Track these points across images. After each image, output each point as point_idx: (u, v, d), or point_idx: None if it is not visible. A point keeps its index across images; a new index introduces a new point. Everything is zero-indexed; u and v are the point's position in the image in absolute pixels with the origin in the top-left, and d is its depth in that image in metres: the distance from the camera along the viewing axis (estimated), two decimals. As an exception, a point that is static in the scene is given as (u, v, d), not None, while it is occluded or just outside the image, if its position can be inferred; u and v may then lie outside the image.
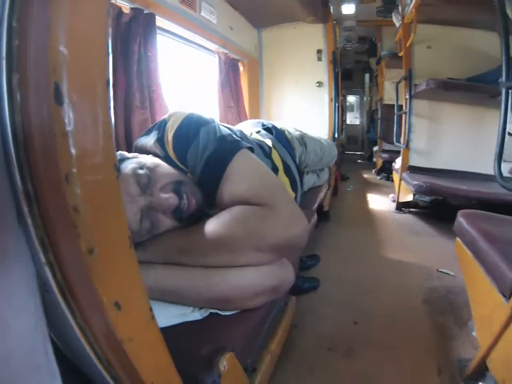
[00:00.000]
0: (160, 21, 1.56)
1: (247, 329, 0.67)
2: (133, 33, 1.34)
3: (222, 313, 0.67)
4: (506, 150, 1.09)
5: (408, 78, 2.71)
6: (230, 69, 2.45)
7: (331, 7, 2.84)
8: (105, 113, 0.29)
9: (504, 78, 0.99)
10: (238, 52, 2.55)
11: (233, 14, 2.45)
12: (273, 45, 3.04)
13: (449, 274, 1.72)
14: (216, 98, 2.34)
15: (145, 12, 1.40)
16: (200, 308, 0.67)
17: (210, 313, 0.66)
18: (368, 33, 4.79)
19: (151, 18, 1.44)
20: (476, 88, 2.31)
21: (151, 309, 0.36)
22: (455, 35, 2.70)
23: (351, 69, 7.62)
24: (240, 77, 2.69)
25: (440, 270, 1.75)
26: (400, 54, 2.86)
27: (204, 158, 0.71)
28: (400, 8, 2.74)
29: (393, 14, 2.89)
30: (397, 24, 2.87)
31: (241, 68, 2.73)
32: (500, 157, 1.04)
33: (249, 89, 2.83)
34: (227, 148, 0.72)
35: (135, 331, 0.34)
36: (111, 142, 0.30)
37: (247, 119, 2.52)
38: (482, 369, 0.95)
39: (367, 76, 7.38)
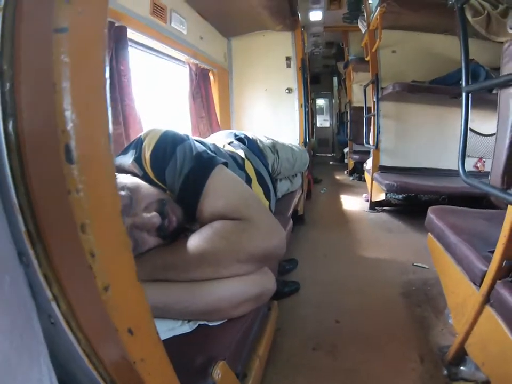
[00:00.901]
0: (131, 34, 1.54)
1: (235, 337, 0.69)
2: None
3: (210, 324, 0.69)
4: (470, 146, 1.17)
5: (375, 81, 2.83)
6: (200, 79, 2.43)
7: (299, 15, 2.91)
8: (111, 166, 0.31)
9: (464, 82, 1.07)
10: (208, 62, 2.55)
11: (203, 24, 2.45)
12: (243, 54, 3.06)
13: (423, 267, 1.80)
14: (187, 109, 2.33)
15: (116, 25, 1.38)
16: (189, 321, 0.69)
17: (199, 325, 0.68)
18: (335, 38, 4.95)
19: (122, 31, 1.42)
20: (438, 90, 2.46)
21: (156, 330, 0.39)
22: (417, 40, 2.86)
23: (320, 73, 7.83)
24: (210, 87, 2.68)
25: (415, 264, 1.84)
26: (366, 59, 2.98)
27: (182, 176, 0.73)
28: (365, 15, 2.87)
29: (359, 21, 3.01)
30: (363, 30, 2.99)
31: (211, 78, 2.73)
32: (463, 156, 1.11)
33: (219, 98, 2.83)
34: (203, 166, 0.74)
35: (146, 351, 0.37)
36: (117, 192, 0.33)
37: (219, 129, 2.55)
38: (462, 354, 1.01)
39: (335, 79, 7.60)
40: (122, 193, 0.67)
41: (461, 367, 1.01)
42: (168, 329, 0.66)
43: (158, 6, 1.73)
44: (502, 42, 1.01)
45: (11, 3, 0.28)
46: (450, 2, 1.14)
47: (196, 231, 0.71)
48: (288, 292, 1.57)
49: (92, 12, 0.29)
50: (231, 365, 0.62)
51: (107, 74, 0.30)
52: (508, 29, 0.81)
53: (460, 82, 1.11)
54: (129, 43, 1.53)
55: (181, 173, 0.73)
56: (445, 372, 1.03)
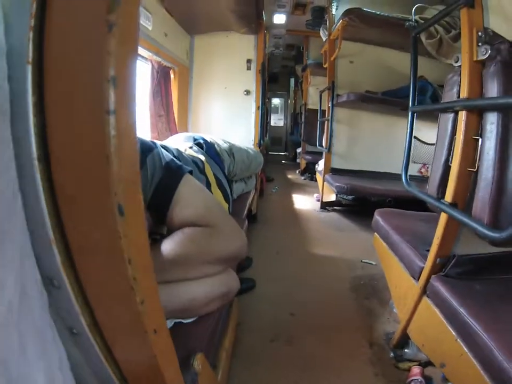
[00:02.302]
0: None
1: (207, 331, 0.76)
2: None
3: (185, 321, 0.76)
4: (415, 153, 1.29)
5: (332, 88, 2.97)
6: (161, 77, 2.36)
7: (264, 18, 2.94)
8: (141, 213, 0.37)
9: (410, 103, 1.22)
10: (170, 59, 2.48)
11: (169, 20, 2.37)
12: (205, 52, 3.01)
13: (371, 263, 1.94)
14: (147, 107, 2.27)
15: None
16: (167, 319, 0.73)
17: (175, 322, 0.75)
18: (296, 41, 5.06)
19: None
20: (389, 102, 2.65)
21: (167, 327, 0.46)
22: (374, 53, 3.03)
23: (278, 73, 7.92)
24: (171, 85, 2.61)
25: (363, 260, 1.98)
26: (324, 66, 3.10)
27: (153, 186, 0.76)
28: (328, 24, 2.97)
29: (321, 29, 3.10)
30: (324, 38, 3.10)
31: (172, 76, 2.66)
32: (406, 166, 1.25)
33: (178, 97, 2.77)
34: (172, 176, 0.78)
35: (163, 346, 0.43)
36: (145, 228, 0.39)
37: (175, 128, 2.53)
38: (405, 339, 1.15)
39: (292, 80, 7.75)
40: None
41: (405, 350, 1.15)
42: None
43: None
44: (449, 64, 1.15)
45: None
46: (407, 24, 1.27)
47: (164, 235, 0.77)
48: (244, 288, 1.60)
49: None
50: (206, 356, 0.68)
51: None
52: (453, 62, 0.94)
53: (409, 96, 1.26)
54: None
55: (152, 182, 0.76)
56: (392, 354, 1.17)
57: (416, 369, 1.06)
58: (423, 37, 1.63)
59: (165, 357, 0.43)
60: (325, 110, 3.21)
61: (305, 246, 2.27)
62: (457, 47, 1.55)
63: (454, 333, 0.84)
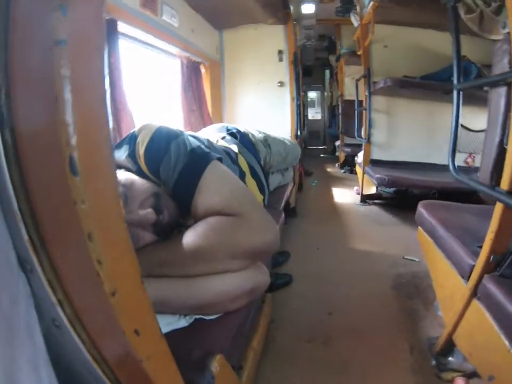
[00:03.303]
0: (121, 26, 1.51)
1: (231, 330, 0.70)
2: None
3: (207, 318, 0.70)
4: (460, 142, 1.19)
5: (367, 76, 2.83)
6: (192, 72, 2.40)
7: (291, 8, 2.88)
8: (114, 175, 0.32)
9: (455, 80, 1.08)
10: (200, 55, 2.52)
11: (194, 16, 2.41)
12: (235, 47, 3.02)
13: (414, 260, 1.83)
14: (179, 102, 2.31)
15: (106, 18, 1.33)
16: (186, 315, 0.70)
17: (196, 319, 0.70)
18: (328, 31, 4.91)
19: (112, 24, 1.38)
20: (429, 86, 2.46)
21: (159, 327, 0.41)
22: (409, 35, 2.85)
23: (311, 66, 7.76)
24: (202, 80, 2.65)
25: (405, 257, 1.86)
26: (358, 53, 2.98)
27: (177, 172, 0.73)
28: (358, 8, 2.85)
29: (351, 14, 2.99)
30: (355, 24, 2.97)
31: (203, 71, 2.70)
32: (453, 152, 1.13)
33: (211, 91, 2.81)
34: (198, 161, 0.75)
35: (151, 350, 0.38)
36: (119, 199, 0.33)
37: (210, 122, 2.53)
38: (450, 346, 1.04)
39: (327, 72, 7.56)
40: None
41: (449, 358, 1.04)
42: (165, 323, 0.67)
43: None
44: (494, 40, 1.02)
45: (2, 11, 0.28)
46: None
47: (190, 226, 0.71)
48: (280, 284, 1.59)
49: (89, 22, 0.29)
50: (227, 357, 0.64)
51: (107, 85, 0.30)
52: (500, 28, 0.82)
53: (451, 78, 1.12)
54: (120, 36, 1.50)
55: (175, 169, 0.73)
56: (434, 362, 1.07)
57: (460, 381, 0.95)
58: (461, 12, 1.48)
59: (156, 363, 0.38)
60: (362, 100, 3.08)
61: (345, 240, 2.20)
62: (501, 21, 1.38)
63: (507, 343, 0.74)
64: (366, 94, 2.89)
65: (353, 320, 1.33)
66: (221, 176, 0.77)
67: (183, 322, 0.69)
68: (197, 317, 0.70)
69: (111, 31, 1.38)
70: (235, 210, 0.71)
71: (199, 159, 0.75)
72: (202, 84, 2.64)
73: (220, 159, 0.80)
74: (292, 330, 1.27)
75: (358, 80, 3.22)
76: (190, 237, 0.68)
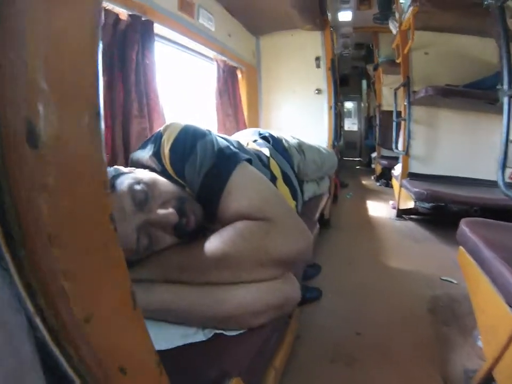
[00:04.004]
0: (158, 28, 1.55)
1: (253, 349, 0.64)
2: (131, 41, 1.32)
3: (227, 333, 0.64)
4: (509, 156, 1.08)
5: (407, 84, 2.72)
6: (228, 77, 2.43)
7: (328, 14, 2.85)
8: (99, 155, 0.26)
9: (506, 86, 0.98)
10: (236, 59, 2.54)
11: (231, 21, 2.44)
12: (271, 52, 3.03)
13: (452, 282, 1.69)
14: (214, 106, 2.32)
15: (143, 19, 1.38)
16: (204, 328, 0.64)
17: (215, 333, 0.63)
18: (365, 39, 4.82)
19: (149, 25, 1.42)
20: (473, 94, 2.31)
21: (159, 364, 0.35)
22: (451, 41, 2.72)
23: (348, 75, 7.67)
24: (238, 85, 2.68)
25: (442, 278, 1.73)
26: (397, 61, 2.87)
27: (203, 173, 0.69)
28: (397, 15, 2.76)
29: (389, 21, 2.91)
30: (394, 31, 2.89)
31: (239, 76, 2.73)
32: (503, 166, 1.03)
33: (247, 97, 2.82)
34: (225, 162, 0.70)
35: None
36: (105, 194, 0.27)
37: (245, 128, 2.52)
38: (489, 381, 0.92)
39: (364, 82, 7.42)
40: (138, 187, 0.64)
41: (487, 395, 0.93)
42: (180, 335, 0.62)
43: (186, 1, 1.74)
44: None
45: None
46: (486, 2, 1.06)
47: (217, 231, 0.67)
48: (309, 298, 1.52)
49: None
50: (245, 379, 0.58)
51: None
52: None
53: (497, 87, 1.03)
54: (156, 38, 1.53)
55: (201, 169, 0.69)
56: (470, 398, 0.95)
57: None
58: (508, 15, 1.36)
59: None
60: (401, 111, 2.96)
61: (379, 256, 2.10)
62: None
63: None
64: (405, 103, 2.76)
65: (382, 343, 1.24)
66: (250, 178, 0.72)
67: (200, 336, 0.63)
68: (217, 331, 0.64)
69: (147, 32, 1.41)
70: (265, 214, 0.65)
71: (226, 159, 0.71)
72: (238, 89, 2.67)
73: (249, 161, 0.76)
74: (316, 348, 1.20)
75: (396, 89, 3.11)
76: (214, 242, 0.63)
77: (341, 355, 1.17)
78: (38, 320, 0.26)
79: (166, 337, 0.61)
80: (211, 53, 2.21)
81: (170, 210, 0.65)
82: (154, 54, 1.46)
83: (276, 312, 0.67)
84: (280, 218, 0.66)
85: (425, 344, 1.23)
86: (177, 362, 0.57)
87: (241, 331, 0.65)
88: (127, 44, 1.32)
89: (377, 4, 3.25)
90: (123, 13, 1.31)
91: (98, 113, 0.25)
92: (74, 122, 0.24)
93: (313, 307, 1.48)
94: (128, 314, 0.30)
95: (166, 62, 1.87)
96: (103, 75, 1.21)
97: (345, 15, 3.59)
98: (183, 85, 2.22)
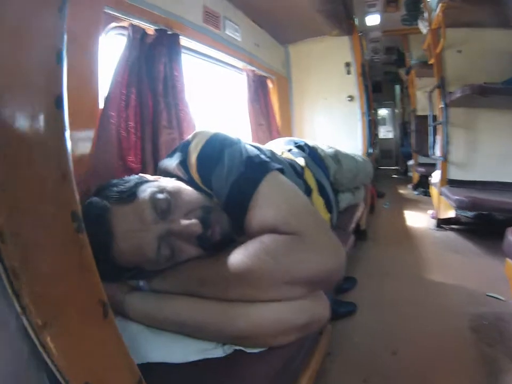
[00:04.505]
0: (184, 40, 1.59)
1: (275, 367, 0.60)
2: (158, 54, 1.36)
3: (248, 351, 0.60)
4: None
5: (441, 86, 2.58)
6: (258, 86, 2.46)
7: (355, 19, 2.81)
8: (59, 144, 0.25)
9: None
10: (266, 69, 2.57)
11: (258, 31, 2.47)
12: (301, 61, 3.03)
13: (499, 299, 1.54)
14: (246, 116, 2.35)
15: (169, 33, 1.42)
16: (224, 344, 0.61)
17: (235, 350, 0.60)
18: (395, 43, 4.69)
19: (175, 38, 1.46)
20: (515, 91, 2.13)
21: (140, 381, 0.32)
22: (485, 37, 2.54)
23: (381, 81, 7.47)
24: (269, 94, 2.70)
25: (488, 294, 1.58)
26: (430, 62, 2.76)
27: (230, 183, 0.66)
28: (425, 14, 2.66)
29: (418, 21, 2.82)
30: (424, 31, 2.79)
31: (270, 85, 2.75)
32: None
33: (279, 106, 2.82)
34: (254, 171, 0.67)
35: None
36: (64, 182, 0.26)
37: (279, 137, 2.49)
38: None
39: (397, 87, 7.23)
40: (160, 196, 0.63)
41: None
42: (198, 350, 0.60)
43: (211, 14, 1.78)
44: None
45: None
46: None
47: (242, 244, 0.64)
48: (343, 313, 1.46)
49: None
50: None
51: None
52: None
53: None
54: (184, 50, 1.57)
55: (229, 178, 0.66)
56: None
57: None
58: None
59: None
60: (436, 115, 2.81)
61: (417, 269, 1.97)
62: None
63: None
64: (441, 106, 2.61)
65: (419, 364, 1.14)
66: (280, 188, 0.68)
67: (219, 351, 0.60)
68: (237, 348, 0.61)
69: (173, 45, 1.45)
70: (293, 228, 0.61)
71: (255, 168, 0.67)
72: (270, 98, 2.70)
73: (281, 170, 0.72)
74: (348, 366, 1.14)
75: (431, 91, 2.94)
76: (238, 256, 0.60)
77: (375, 376, 1.09)
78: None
79: (183, 350, 0.59)
80: (240, 64, 2.25)
81: (194, 221, 0.63)
82: (182, 65, 1.50)
83: (300, 332, 0.63)
84: (310, 233, 0.61)
85: (466, 367, 1.11)
86: (192, 378, 0.56)
87: (263, 349, 0.61)
88: (154, 57, 1.36)
89: (405, 4, 3.16)
90: (150, 28, 1.36)
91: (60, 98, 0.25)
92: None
93: (347, 322, 1.42)
94: (97, 323, 0.28)
95: (198, 73, 1.93)
96: (132, 87, 1.24)
97: (373, 19, 3.52)
98: (216, 96, 2.27)
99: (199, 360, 0.58)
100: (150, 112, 1.34)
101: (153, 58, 1.35)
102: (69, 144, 0.26)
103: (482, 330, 1.31)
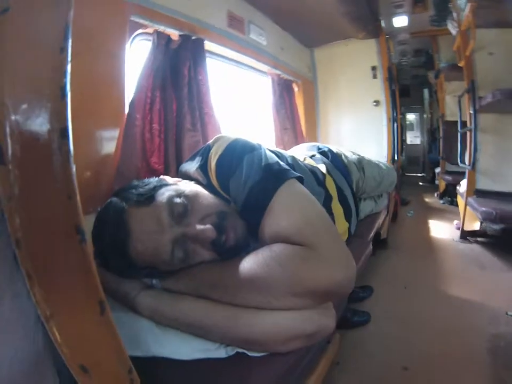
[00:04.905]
0: (209, 45, 1.61)
1: (277, 373, 0.61)
2: (182, 58, 1.39)
3: (250, 354, 0.61)
4: None
5: (471, 90, 2.45)
6: (284, 90, 2.45)
7: (382, 21, 2.74)
8: (65, 164, 0.29)
9: None
10: (291, 73, 2.56)
11: (283, 35, 2.47)
12: (327, 64, 3.00)
13: (520, 318, 1.45)
14: (271, 120, 2.34)
15: (193, 38, 1.45)
16: (227, 345, 0.62)
17: (237, 352, 0.61)
18: (424, 45, 4.50)
19: (199, 43, 1.49)
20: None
21: (131, 371, 0.36)
22: None
23: (409, 85, 7.22)
24: (295, 98, 2.68)
25: (509, 313, 1.50)
26: (460, 64, 2.63)
27: (247, 188, 0.66)
28: (454, 14, 2.54)
29: (448, 22, 2.70)
30: (453, 32, 2.67)
31: (295, 89, 2.73)
32: None
33: (305, 110, 2.81)
34: (272, 178, 0.67)
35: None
36: (69, 196, 0.30)
37: (303, 141, 2.49)
38: None
39: (426, 91, 6.96)
40: (178, 200, 0.64)
41: None
42: (201, 349, 0.61)
43: (235, 18, 1.80)
44: None
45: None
46: None
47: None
48: (356, 322, 1.45)
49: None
50: None
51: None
52: None
53: None
54: (208, 54, 1.60)
55: (246, 184, 0.67)
56: None
57: None
58: None
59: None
60: (466, 121, 2.68)
61: (437, 282, 1.92)
62: None
63: None
64: (471, 111, 2.49)
65: (430, 383, 1.10)
66: (296, 197, 0.67)
67: (221, 352, 0.61)
68: (239, 350, 0.61)
69: (198, 50, 1.48)
70: (305, 239, 0.60)
71: (273, 175, 0.67)
72: (295, 102, 2.68)
73: (300, 179, 0.71)
74: (357, 378, 1.14)
75: (460, 96, 2.83)
76: (248, 263, 0.61)
77: None
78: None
79: (187, 348, 0.61)
80: (265, 67, 2.25)
81: (208, 226, 0.64)
82: (207, 70, 1.52)
83: (305, 342, 0.63)
84: (321, 245, 0.60)
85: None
86: (194, 375, 0.59)
87: (265, 353, 0.62)
88: (179, 61, 1.39)
89: (433, 4, 3.05)
90: (174, 34, 1.39)
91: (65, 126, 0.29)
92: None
93: (360, 332, 1.41)
94: (95, 318, 0.33)
95: (223, 78, 1.96)
96: (157, 91, 1.28)
97: (400, 20, 3.40)
98: (241, 99, 2.29)
99: (202, 359, 0.60)
100: (173, 115, 1.37)
101: (177, 62, 1.38)
102: (73, 169, 0.31)
103: (500, 352, 1.24)
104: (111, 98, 1.11)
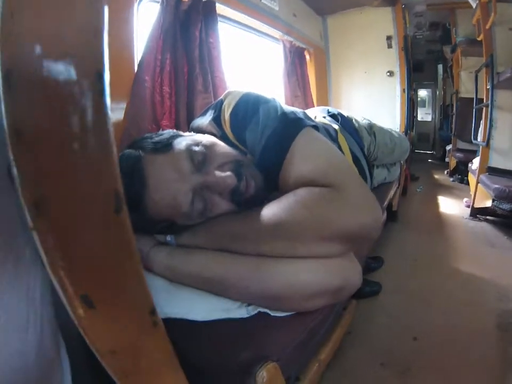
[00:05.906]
0: (221, 9, 1.57)
1: (298, 335, 0.59)
2: (193, 20, 1.35)
3: (272, 314, 0.58)
4: None
5: (490, 65, 2.36)
6: (295, 58, 2.40)
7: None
8: (107, 158, 0.27)
9: None
10: (303, 40, 2.48)
11: (295, 1, 2.39)
12: (340, 33, 2.91)
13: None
14: (282, 87, 2.31)
15: (204, 0, 1.40)
16: (248, 305, 0.59)
17: (259, 312, 0.58)
18: (441, 18, 4.29)
19: (210, 6, 1.44)
20: None
21: (153, 312, 0.32)
22: None
23: (422, 60, 6.96)
24: (306, 66, 2.62)
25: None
26: (479, 38, 2.51)
27: (264, 137, 0.64)
28: None
29: (468, -7, 2.56)
30: (473, 5, 2.52)
31: (307, 57, 2.66)
32: None
33: (316, 79, 2.75)
34: (290, 126, 0.65)
35: (120, 339, 0.31)
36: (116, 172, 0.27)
37: None
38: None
39: (440, 67, 6.68)
40: (197, 148, 0.62)
41: None
42: (222, 309, 0.58)
43: None
44: None
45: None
46: None
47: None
48: (368, 292, 1.46)
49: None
50: (283, 367, 0.53)
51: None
52: None
53: None
54: (220, 18, 1.56)
55: (264, 133, 0.64)
56: None
57: None
58: None
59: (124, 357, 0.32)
60: (482, 98, 2.60)
61: (446, 258, 1.91)
62: None
63: None
64: (488, 87, 2.41)
65: (439, 354, 1.12)
66: (316, 142, 0.66)
67: (243, 311, 0.58)
68: (262, 309, 0.58)
69: (209, 13, 1.44)
70: (330, 180, 0.58)
71: (291, 123, 0.65)
72: (306, 70, 2.62)
73: (315, 128, 0.69)
74: (367, 348, 1.15)
75: (477, 71, 2.73)
76: (271, 209, 0.58)
77: (393, 360, 1.09)
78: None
79: (205, 308, 0.59)
80: (276, 33, 2.20)
81: (228, 173, 0.62)
82: (218, 33, 1.48)
83: (331, 298, 0.61)
84: (348, 186, 0.58)
85: (488, 365, 1.07)
86: (212, 336, 0.56)
87: (288, 313, 0.59)
88: (190, 23, 1.35)
89: (453, -26, 2.91)
90: None
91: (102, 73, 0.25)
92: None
93: (370, 302, 1.41)
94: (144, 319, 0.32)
95: (234, 43, 1.93)
96: (167, 53, 1.25)
97: (417, -10, 3.26)
98: (253, 66, 2.26)
99: (220, 320, 0.57)
100: (185, 77, 1.35)
101: (188, 24, 1.35)
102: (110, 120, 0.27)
103: (509, 328, 1.25)
104: (121, 63, 1.08)
